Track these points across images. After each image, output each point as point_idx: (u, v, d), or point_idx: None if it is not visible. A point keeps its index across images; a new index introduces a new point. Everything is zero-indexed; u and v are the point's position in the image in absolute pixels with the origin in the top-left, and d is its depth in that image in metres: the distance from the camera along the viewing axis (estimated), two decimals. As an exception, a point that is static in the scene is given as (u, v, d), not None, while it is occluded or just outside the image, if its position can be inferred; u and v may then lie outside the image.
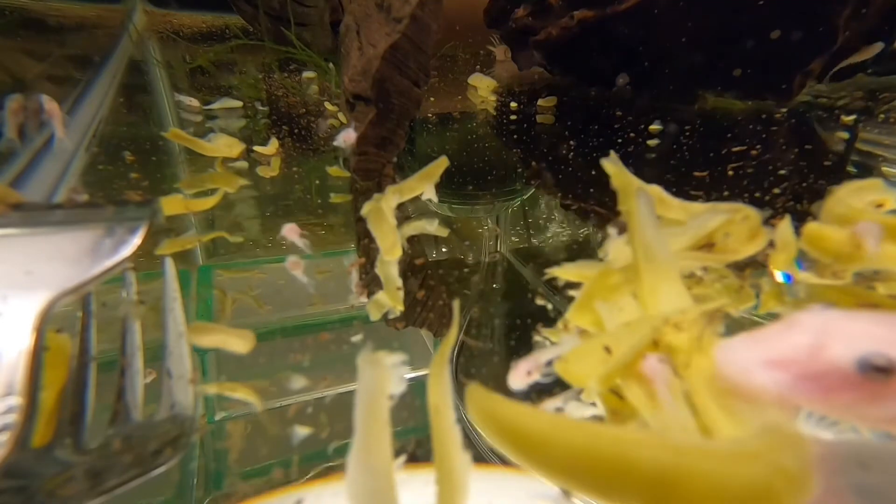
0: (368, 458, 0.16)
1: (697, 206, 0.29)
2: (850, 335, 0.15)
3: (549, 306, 0.30)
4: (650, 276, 0.22)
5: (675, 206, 0.29)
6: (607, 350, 0.18)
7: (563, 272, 0.28)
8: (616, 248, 0.27)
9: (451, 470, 0.15)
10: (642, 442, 0.12)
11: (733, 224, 0.26)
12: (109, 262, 0.23)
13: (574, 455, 0.13)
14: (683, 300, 0.21)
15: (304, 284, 0.33)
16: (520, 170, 0.53)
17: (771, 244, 0.27)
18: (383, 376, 0.17)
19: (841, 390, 0.14)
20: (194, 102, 0.60)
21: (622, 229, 0.25)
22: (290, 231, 0.37)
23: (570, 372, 0.19)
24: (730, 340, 0.17)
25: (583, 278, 0.27)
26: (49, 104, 0.49)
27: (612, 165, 0.25)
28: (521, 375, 0.23)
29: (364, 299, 0.31)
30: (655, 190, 0.30)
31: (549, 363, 0.22)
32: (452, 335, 0.18)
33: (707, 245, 0.27)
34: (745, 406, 0.16)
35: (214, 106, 0.67)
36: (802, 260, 0.27)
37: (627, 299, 0.22)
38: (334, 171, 0.47)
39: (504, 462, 0.22)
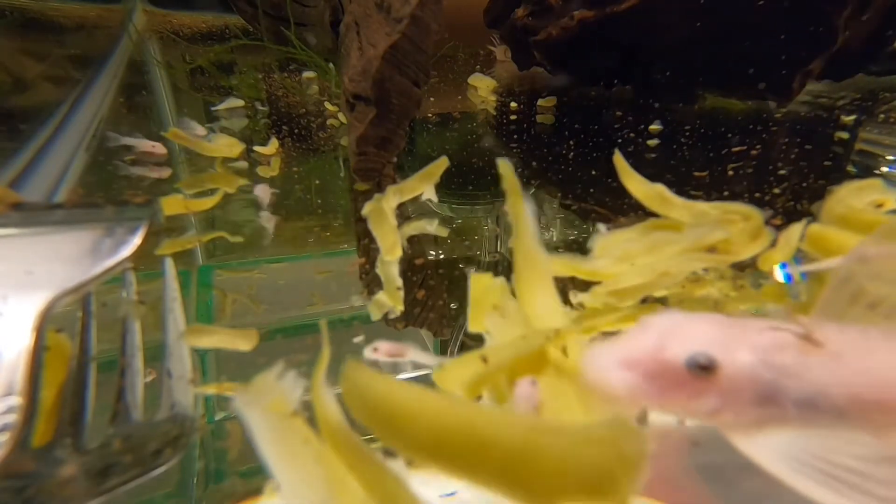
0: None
1: (700, 206, 0.29)
2: (686, 336, 0.16)
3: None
4: (526, 285, 0.22)
5: (679, 206, 0.29)
6: (484, 360, 0.18)
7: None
8: (601, 243, 0.28)
9: (377, 472, 0.14)
10: (497, 419, 0.13)
11: (734, 227, 0.26)
12: (109, 262, 0.23)
13: (433, 429, 0.13)
14: (554, 309, 0.21)
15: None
16: (519, 170, 0.53)
17: (774, 244, 0.27)
18: (277, 404, 0.16)
19: (675, 388, 0.15)
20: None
21: (610, 223, 0.25)
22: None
23: (444, 379, 0.19)
24: (597, 344, 0.17)
25: (571, 271, 0.27)
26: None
27: (505, 166, 0.25)
28: (369, 350, 0.26)
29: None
30: (659, 188, 0.30)
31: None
32: (324, 357, 0.17)
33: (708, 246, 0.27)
34: (603, 408, 0.16)
35: (221, 107, 0.67)
36: (802, 260, 0.27)
37: (511, 304, 0.22)
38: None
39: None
